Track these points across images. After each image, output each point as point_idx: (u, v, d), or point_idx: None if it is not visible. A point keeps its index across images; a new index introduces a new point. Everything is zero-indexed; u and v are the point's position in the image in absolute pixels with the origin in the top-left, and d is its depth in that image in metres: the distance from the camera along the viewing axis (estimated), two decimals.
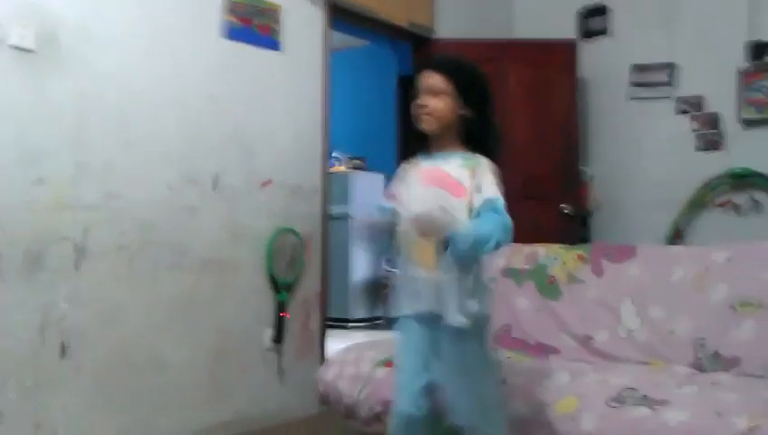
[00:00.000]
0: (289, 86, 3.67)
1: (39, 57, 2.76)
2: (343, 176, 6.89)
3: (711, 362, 2.43)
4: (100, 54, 2.95)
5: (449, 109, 2.07)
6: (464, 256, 1.93)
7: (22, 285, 2.69)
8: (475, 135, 2.09)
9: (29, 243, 2.71)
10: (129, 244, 3.00)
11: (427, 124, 2.09)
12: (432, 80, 2.08)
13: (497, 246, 1.92)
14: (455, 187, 2.04)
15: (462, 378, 2.04)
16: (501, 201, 2.00)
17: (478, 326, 2.02)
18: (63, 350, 2.79)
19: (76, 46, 2.87)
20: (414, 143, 2.19)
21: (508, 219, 1.97)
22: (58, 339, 2.78)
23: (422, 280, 2.01)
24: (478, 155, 2.07)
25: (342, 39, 5.98)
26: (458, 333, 1.98)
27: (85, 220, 2.86)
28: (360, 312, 6.86)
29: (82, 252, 2.85)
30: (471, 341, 2.02)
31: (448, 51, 4.39)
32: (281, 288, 3.54)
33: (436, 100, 2.06)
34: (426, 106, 2.07)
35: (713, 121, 4.48)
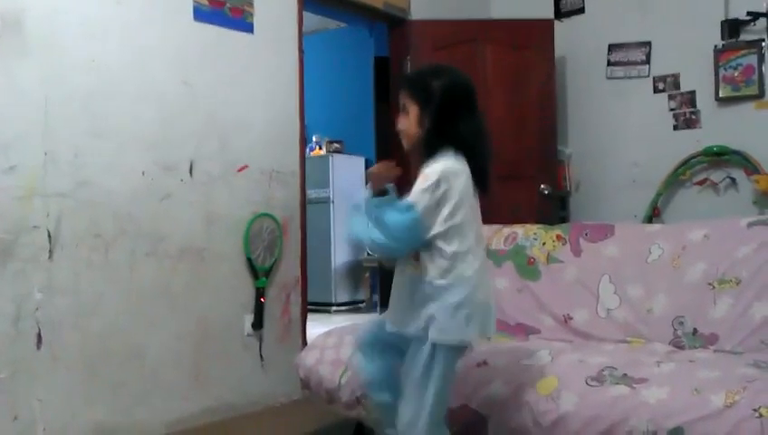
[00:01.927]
0: (263, 69, 3.62)
1: (3, 42, 2.69)
2: (322, 159, 6.86)
3: (690, 339, 2.45)
4: (68, 39, 2.88)
5: (413, 124, 2.04)
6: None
7: None
8: (437, 143, 2.00)
9: (0, 232, 2.66)
10: (103, 232, 2.96)
11: (404, 144, 2.10)
12: (401, 97, 2.08)
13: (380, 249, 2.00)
14: None
15: (408, 382, 2.04)
16: (407, 205, 1.92)
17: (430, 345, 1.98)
18: (39, 340, 2.75)
19: (43, 31, 2.80)
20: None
21: (396, 220, 1.92)
22: (33, 329, 2.74)
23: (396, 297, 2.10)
24: (431, 161, 1.99)
25: (319, 21, 5.94)
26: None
27: (58, 209, 2.82)
28: (343, 295, 6.86)
29: (56, 241, 2.81)
30: (423, 352, 1.99)
31: (424, 31, 4.38)
32: (259, 274, 3.52)
33: (404, 119, 2.06)
34: (398, 127, 2.09)
35: (690, 100, 4.49)
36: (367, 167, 7.08)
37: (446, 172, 1.95)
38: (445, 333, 1.94)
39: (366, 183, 2.06)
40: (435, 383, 1.97)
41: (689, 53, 4.45)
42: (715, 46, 4.34)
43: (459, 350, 2.03)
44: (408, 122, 2.05)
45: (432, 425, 1.99)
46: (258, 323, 3.51)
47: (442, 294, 1.95)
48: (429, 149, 2.02)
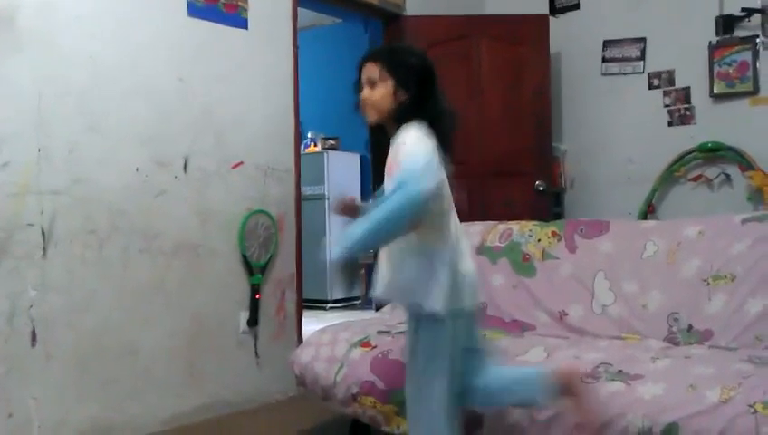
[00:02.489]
0: (258, 65, 3.61)
1: None
2: (317, 156, 6.84)
3: (684, 335, 2.45)
4: (62, 35, 2.87)
5: (387, 96, 2.06)
6: (349, 255, 1.91)
7: None
8: (412, 116, 2.02)
9: None
10: (97, 229, 2.95)
11: (369, 116, 2.10)
12: (368, 71, 2.09)
13: (393, 226, 1.84)
14: (390, 168, 2.02)
15: (408, 360, 2.06)
16: (406, 173, 1.85)
17: (426, 318, 1.97)
18: (34, 338, 2.75)
19: (36, 26, 2.79)
20: (377, 133, 2.16)
21: (407, 191, 1.80)
22: (28, 327, 2.73)
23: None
24: (402, 128, 2.00)
25: (313, 17, 5.93)
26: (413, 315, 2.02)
27: (52, 205, 2.81)
28: (338, 292, 6.85)
29: (50, 238, 2.80)
30: (419, 328, 2.01)
31: (419, 27, 4.38)
32: (255, 271, 3.51)
33: (375, 91, 2.06)
34: (366, 99, 2.08)
35: (684, 96, 4.50)
36: (362, 163, 7.07)
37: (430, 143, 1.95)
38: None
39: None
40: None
41: (684, 49, 4.45)
42: (710, 42, 4.34)
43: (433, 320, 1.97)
44: (380, 94, 2.06)
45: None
46: (253, 320, 3.51)
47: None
48: (404, 121, 2.03)
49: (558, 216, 4.75)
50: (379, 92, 2.06)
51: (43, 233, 2.78)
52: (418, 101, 2.05)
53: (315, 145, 7.06)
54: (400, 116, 2.05)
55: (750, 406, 1.79)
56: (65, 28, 2.88)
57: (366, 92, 2.08)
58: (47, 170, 2.80)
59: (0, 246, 2.66)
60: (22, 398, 2.71)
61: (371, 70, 2.08)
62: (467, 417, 2.27)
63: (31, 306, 2.74)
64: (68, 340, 2.84)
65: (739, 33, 4.27)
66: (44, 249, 2.78)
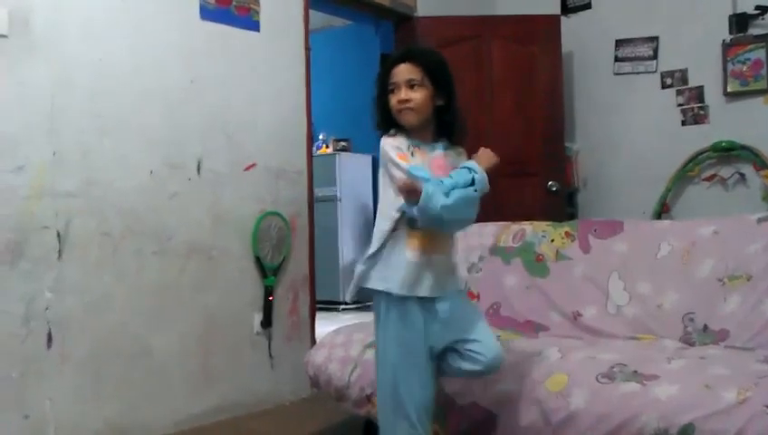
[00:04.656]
0: (270, 67, 3.62)
1: (11, 42, 2.70)
2: (329, 157, 6.85)
3: (700, 335, 2.44)
4: (75, 38, 2.89)
5: (428, 100, 2.07)
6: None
7: (4, 275, 2.65)
8: (448, 124, 2.11)
9: (10, 232, 2.67)
10: (112, 231, 2.96)
11: (410, 118, 2.07)
12: (407, 72, 2.06)
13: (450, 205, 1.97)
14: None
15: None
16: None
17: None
18: (50, 340, 2.76)
19: (50, 30, 2.81)
20: (387, 127, 2.14)
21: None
22: (44, 329, 2.75)
23: (440, 264, 2.09)
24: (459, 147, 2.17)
25: (324, 19, 5.94)
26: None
27: (67, 208, 2.82)
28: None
29: (65, 240, 2.81)
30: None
31: (430, 28, 4.38)
32: (268, 272, 3.52)
33: (417, 93, 2.05)
34: (409, 101, 2.05)
35: (698, 95, 4.47)
36: (374, 165, 7.07)
37: None
38: None
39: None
40: None
41: (697, 47, 4.43)
42: (723, 41, 4.32)
43: None
44: (423, 97, 2.06)
45: None
46: (267, 322, 3.52)
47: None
48: (445, 128, 2.12)
49: (571, 216, 4.73)
50: (422, 95, 2.05)
51: (58, 235, 2.80)
52: (451, 108, 2.10)
53: (327, 147, 7.07)
54: (440, 123, 2.11)
55: (767, 406, 1.78)
56: (78, 32, 2.89)
57: (407, 93, 2.05)
58: (61, 173, 2.82)
59: (16, 249, 2.68)
60: (38, 399, 2.73)
61: (411, 71, 2.05)
62: (480, 418, 2.27)
63: (47, 308, 2.76)
64: (83, 341, 2.86)
65: (753, 31, 4.25)
66: (60, 252, 2.80)
